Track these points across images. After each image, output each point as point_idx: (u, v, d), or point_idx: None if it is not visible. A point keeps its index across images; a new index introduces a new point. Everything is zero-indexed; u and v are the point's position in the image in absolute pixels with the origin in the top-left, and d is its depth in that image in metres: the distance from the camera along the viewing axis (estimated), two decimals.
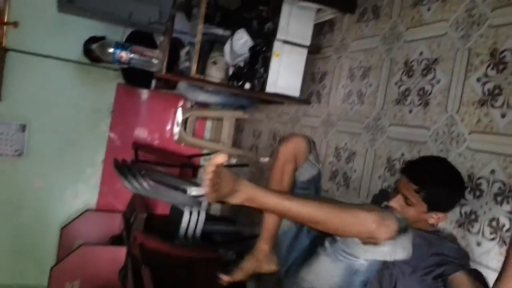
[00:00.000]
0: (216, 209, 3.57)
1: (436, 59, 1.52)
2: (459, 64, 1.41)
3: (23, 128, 3.24)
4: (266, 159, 2.83)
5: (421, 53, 1.61)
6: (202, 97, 3.18)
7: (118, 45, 2.46)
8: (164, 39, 2.44)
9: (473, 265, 1.25)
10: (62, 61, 3.41)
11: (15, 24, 3.28)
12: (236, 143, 3.47)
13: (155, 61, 2.53)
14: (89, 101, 3.48)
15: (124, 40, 3.08)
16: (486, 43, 1.32)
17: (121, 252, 2.66)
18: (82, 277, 2.65)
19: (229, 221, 3.22)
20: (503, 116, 1.22)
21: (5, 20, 3.26)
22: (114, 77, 3.48)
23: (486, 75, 1.30)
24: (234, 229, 3.03)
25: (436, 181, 1.20)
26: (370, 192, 1.77)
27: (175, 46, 2.60)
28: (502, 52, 1.25)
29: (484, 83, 1.30)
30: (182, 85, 3.18)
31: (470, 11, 1.41)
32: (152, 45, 2.95)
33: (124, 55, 2.44)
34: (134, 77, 3.11)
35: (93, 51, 2.71)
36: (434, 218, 1.22)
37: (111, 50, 2.46)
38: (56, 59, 3.39)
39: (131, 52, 2.44)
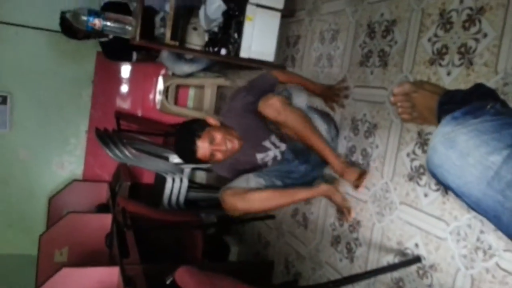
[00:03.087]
0: (201, 177, 3.65)
1: (394, 20, 1.55)
2: (414, 24, 1.44)
3: (3, 99, 3.24)
4: None
5: (382, 15, 1.63)
6: (186, 68, 3.19)
7: (91, 13, 2.45)
8: (136, 4, 2.43)
9: (419, 214, 1.34)
10: (40, 31, 3.39)
11: None
12: (219, 111, 3.51)
13: (129, 27, 2.53)
14: (69, 70, 3.48)
15: (100, 9, 3.05)
16: (437, 3, 1.34)
17: (107, 219, 2.75)
18: (70, 244, 2.75)
19: (213, 188, 3.31)
20: (448, 74, 1.27)
21: None
22: (93, 45, 3.46)
23: (435, 35, 1.34)
24: (218, 195, 3.12)
25: None
26: (337, 151, 1.83)
27: (150, 13, 2.59)
28: (449, 12, 1.28)
29: (434, 43, 1.34)
30: (163, 56, 3.18)
31: None
32: (128, 13, 2.93)
33: (97, 22, 2.42)
34: (114, 51, 3.10)
35: (68, 22, 2.70)
36: None
37: (84, 18, 2.44)
38: (34, 29, 3.37)
39: (104, 19, 2.43)
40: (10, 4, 3.27)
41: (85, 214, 2.82)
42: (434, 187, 1.30)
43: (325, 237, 1.88)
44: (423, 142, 1.36)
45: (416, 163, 1.38)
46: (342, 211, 1.69)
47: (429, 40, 1.36)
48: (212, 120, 1.66)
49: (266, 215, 2.44)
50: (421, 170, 1.36)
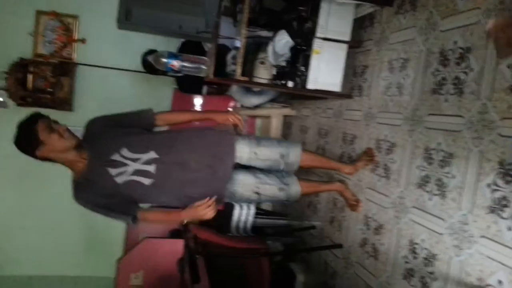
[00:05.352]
0: (267, 204, 3.69)
1: (469, 47, 1.52)
2: (491, 51, 1.40)
3: None
4: None
5: (455, 42, 1.60)
6: (255, 100, 3.34)
7: (171, 55, 2.68)
8: (211, 46, 2.62)
9: (502, 249, 1.25)
10: (124, 72, 3.75)
11: (83, 40, 3.68)
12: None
13: (203, 67, 2.72)
14: (150, 106, 3.75)
15: (178, 49, 3.33)
16: None
17: (179, 244, 2.87)
18: (145, 268, 2.90)
19: (280, 215, 3.33)
20: None
21: (75, 37, 3.67)
22: (170, 83, 3.75)
23: None
24: (284, 222, 3.14)
25: None
26: (410, 180, 1.78)
27: (222, 52, 2.77)
28: None
29: None
30: (233, 90, 3.35)
31: None
32: (202, 52, 3.17)
33: (176, 63, 2.64)
34: (187, 84, 3.34)
35: (149, 62, 2.98)
36: None
37: (164, 60, 2.68)
38: (119, 70, 3.74)
39: (182, 60, 2.65)
40: (98, 49, 3.69)
41: (159, 240, 2.97)
42: None
43: (397, 269, 1.81)
44: (505, 171, 1.29)
45: (498, 194, 1.31)
46: (352, 204, 2.21)
47: (509, 66, 1.32)
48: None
49: (333, 244, 2.40)
50: (504, 202, 1.28)
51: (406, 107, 1.88)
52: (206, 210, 1.76)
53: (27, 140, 1.63)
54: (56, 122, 1.70)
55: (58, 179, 1.79)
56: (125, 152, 1.73)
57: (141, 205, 1.84)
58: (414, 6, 1.94)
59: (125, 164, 1.72)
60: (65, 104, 3.67)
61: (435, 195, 1.60)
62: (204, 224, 3.02)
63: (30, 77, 3.55)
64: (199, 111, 2.41)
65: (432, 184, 1.63)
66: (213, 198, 1.78)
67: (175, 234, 3.22)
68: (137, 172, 1.73)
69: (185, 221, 1.86)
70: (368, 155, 2.14)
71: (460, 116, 1.52)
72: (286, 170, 2.02)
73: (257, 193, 1.91)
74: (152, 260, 2.92)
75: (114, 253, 3.43)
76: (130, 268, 2.94)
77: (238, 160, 1.92)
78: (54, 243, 3.77)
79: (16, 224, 3.73)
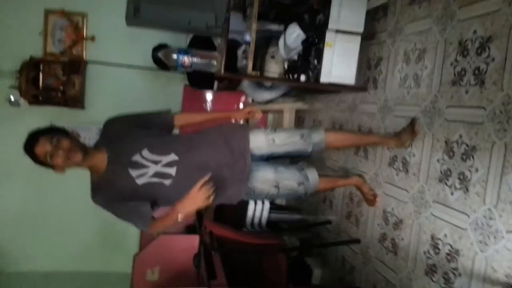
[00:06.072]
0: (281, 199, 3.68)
1: (490, 36, 1.47)
2: None
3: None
4: None
5: (475, 32, 1.56)
6: (267, 95, 3.31)
7: (181, 51, 2.67)
8: (221, 41, 2.59)
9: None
10: (134, 69, 3.74)
11: (92, 38, 3.67)
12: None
13: (214, 62, 2.70)
14: (160, 103, 3.70)
15: (187, 45, 3.30)
16: None
17: (195, 240, 2.88)
18: (161, 263, 2.91)
19: (294, 209, 3.32)
20: None
21: (84, 35, 3.66)
22: (180, 79, 3.73)
23: None
24: (299, 217, 3.12)
25: None
26: (430, 175, 1.75)
27: (233, 47, 2.74)
28: None
29: None
30: (244, 85, 3.33)
31: None
32: (212, 47, 3.15)
33: (186, 59, 2.64)
34: (198, 80, 3.32)
35: (159, 58, 2.97)
36: None
37: (174, 56, 2.67)
38: (129, 67, 3.73)
39: (192, 56, 2.64)
40: (108, 46, 3.68)
41: (175, 236, 2.98)
42: None
43: (418, 265, 1.79)
44: None
45: None
46: (369, 198, 2.16)
47: None
48: (74, 134, 1.70)
49: (351, 239, 2.38)
50: None
51: (424, 99, 1.85)
52: (198, 198, 1.60)
53: (39, 163, 1.62)
54: (55, 136, 1.60)
55: (74, 175, 1.77)
56: (146, 153, 1.71)
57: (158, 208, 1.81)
58: None
59: (145, 166, 1.70)
60: (77, 102, 3.68)
61: (458, 189, 1.57)
62: (218, 219, 3.03)
63: (41, 76, 3.57)
64: (216, 112, 2.40)
65: (454, 178, 1.60)
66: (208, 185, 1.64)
67: (190, 230, 3.23)
68: (158, 174, 1.70)
69: (180, 219, 1.66)
70: (412, 126, 1.90)
71: (482, 107, 1.48)
72: (315, 151, 1.93)
73: (277, 186, 1.87)
74: (168, 256, 2.93)
75: (130, 248, 3.44)
76: (147, 264, 2.95)
77: (258, 151, 1.87)
78: (70, 239, 3.81)
79: (32, 220, 3.77)
